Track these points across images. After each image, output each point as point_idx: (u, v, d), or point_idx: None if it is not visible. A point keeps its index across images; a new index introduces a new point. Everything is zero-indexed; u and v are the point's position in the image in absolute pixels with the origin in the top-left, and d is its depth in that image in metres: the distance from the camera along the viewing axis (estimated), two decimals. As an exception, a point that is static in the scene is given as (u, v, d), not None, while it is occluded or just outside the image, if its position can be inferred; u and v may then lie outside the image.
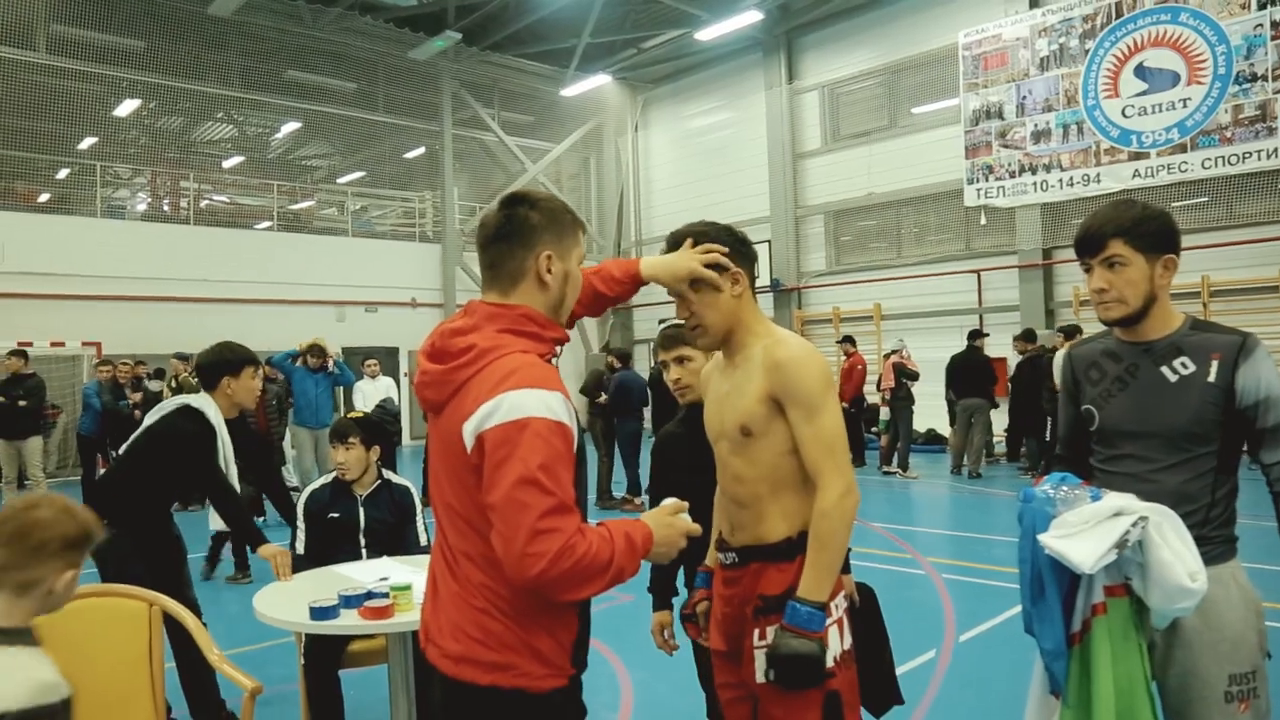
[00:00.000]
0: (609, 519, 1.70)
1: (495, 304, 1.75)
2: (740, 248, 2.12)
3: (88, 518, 1.92)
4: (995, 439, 12.91)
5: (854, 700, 2.03)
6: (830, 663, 1.94)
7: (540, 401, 1.60)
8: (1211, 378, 2.04)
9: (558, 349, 1.81)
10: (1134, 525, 1.89)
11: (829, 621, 1.96)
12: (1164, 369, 2.10)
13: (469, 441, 1.62)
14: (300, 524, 3.79)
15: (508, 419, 1.58)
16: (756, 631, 2.03)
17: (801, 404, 1.97)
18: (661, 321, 3.14)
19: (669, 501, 1.81)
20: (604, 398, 10.09)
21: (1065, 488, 2.01)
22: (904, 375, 11.53)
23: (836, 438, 1.98)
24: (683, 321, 2.56)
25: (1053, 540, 1.94)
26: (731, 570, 2.13)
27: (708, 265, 2.08)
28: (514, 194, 1.81)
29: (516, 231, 1.76)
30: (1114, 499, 1.95)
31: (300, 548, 3.74)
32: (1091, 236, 2.14)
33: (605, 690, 4.38)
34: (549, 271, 1.76)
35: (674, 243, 2.14)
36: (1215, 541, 2.04)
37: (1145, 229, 2.08)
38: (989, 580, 6.24)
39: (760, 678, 2.00)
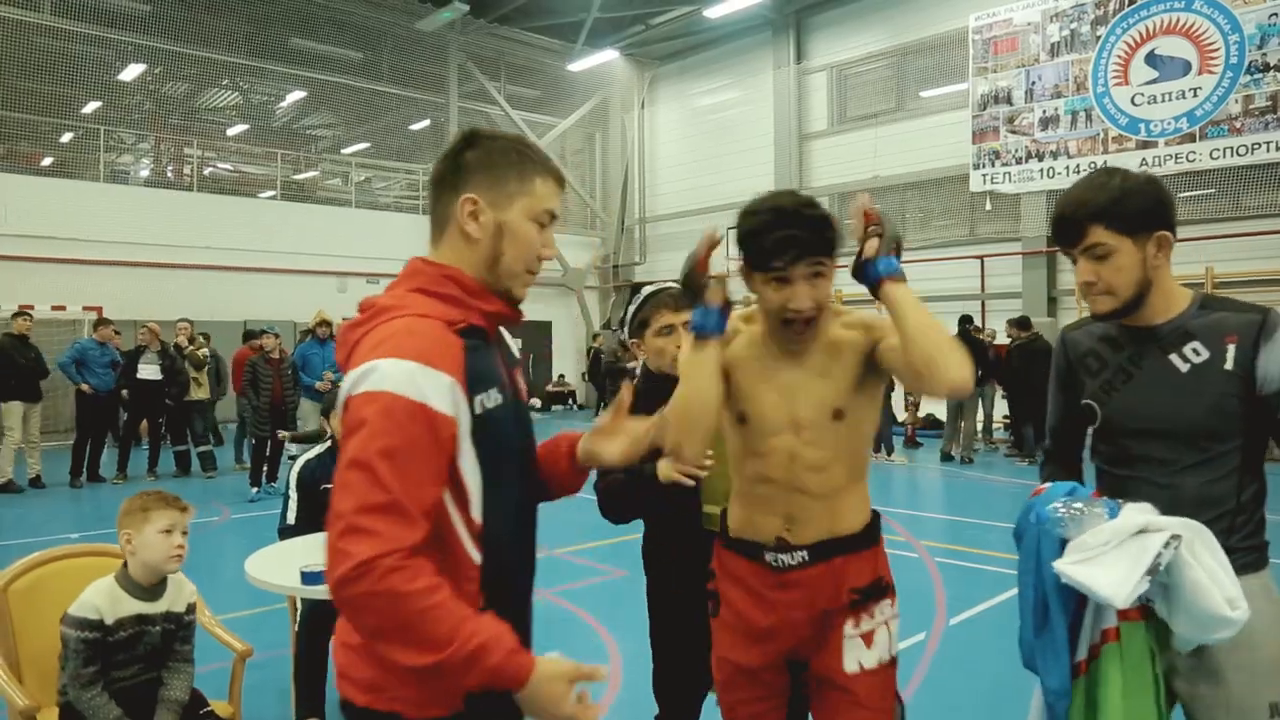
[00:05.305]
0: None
1: (423, 261, 1.53)
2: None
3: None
4: (995, 425, 12.93)
5: None
6: (887, 658, 2.00)
7: (407, 377, 1.34)
8: (1228, 364, 1.79)
9: (492, 324, 1.54)
10: (1166, 546, 1.63)
11: (889, 614, 2.01)
12: (1173, 357, 1.85)
13: (339, 410, 1.42)
14: (293, 493, 3.76)
15: (368, 389, 1.34)
16: (850, 621, 1.97)
17: (886, 326, 1.87)
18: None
19: (565, 668, 1.38)
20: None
21: (1077, 504, 1.75)
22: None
23: None
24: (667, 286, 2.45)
25: (1072, 568, 1.68)
26: (797, 571, 1.96)
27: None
28: (469, 129, 1.56)
29: (449, 172, 1.51)
30: (1133, 514, 1.70)
31: (291, 518, 3.70)
32: (1067, 223, 1.86)
33: (595, 663, 4.40)
34: (472, 220, 1.49)
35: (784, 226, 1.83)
36: (1242, 550, 1.80)
37: (1127, 208, 1.80)
38: (981, 565, 6.27)
39: (851, 666, 1.96)
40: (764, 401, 1.96)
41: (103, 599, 2.51)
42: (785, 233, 1.80)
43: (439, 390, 1.35)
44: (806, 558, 1.95)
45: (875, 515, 2.03)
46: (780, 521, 1.96)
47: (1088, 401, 1.98)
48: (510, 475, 1.53)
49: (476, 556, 1.45)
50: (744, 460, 2.02)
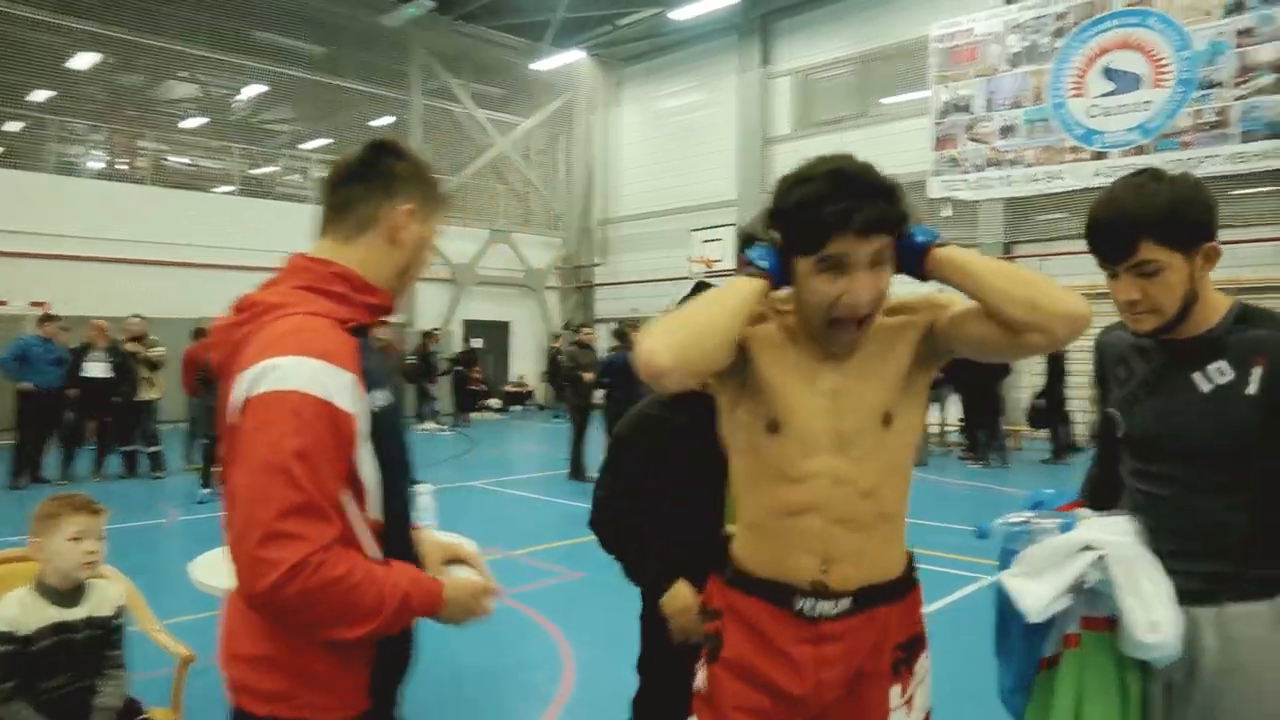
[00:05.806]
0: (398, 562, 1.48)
1: (309, 258, 1.51)
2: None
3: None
4: (949, 428, 13.09)
5: None
6: (921, 715, 1.76)
7: (310, 374, 1.32)
8: (1251, 389, 1.66)
9: (374, 319, 1.54)
10: (1092, 565, 1.64)
11: (926, 666, 1.77)
12: (1196, 376, 1.72)
13: (236, 410, 1.36)
14: None
15: (270, 388, 1.32)
16: (897, 687, 1.68)
17: (949, 303, 1.63)
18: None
19: (468, 584, 1.57)
20: (589, 377, 10.04)
21: (1038, 517, 1.78)
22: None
23: None
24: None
25: (1011, 579, 1.74)
26: (838, 621, 1.62)
27: None
28: (381, 139, 1.57)
29: (379, 175, 1.52)
30: (1085, 531, 1.69)
31: None
32: (1116, 237, 1.69)
33: (546, 667, 4.37)
34: (405, 228, 1.53)
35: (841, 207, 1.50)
36: (1255, 580, 1.69)
37: (1180, 220, 1.65)
38: (934, 566, 6.30)
39: None
40: (803, 408, 1.61)
41: (16, 610, 2.41)
42: (849, 203, 1.45)
43: (342, 388, 1.36)
44: (850, 606, 1.62)
45: (909, 554, 1.74)
46: (816, 561, 1.61)
47: (1111, 410, 1.89)
48: (402, 473, 1.57)
49: (377, 553, 1.46)
50: (770, 485, 1.65)
